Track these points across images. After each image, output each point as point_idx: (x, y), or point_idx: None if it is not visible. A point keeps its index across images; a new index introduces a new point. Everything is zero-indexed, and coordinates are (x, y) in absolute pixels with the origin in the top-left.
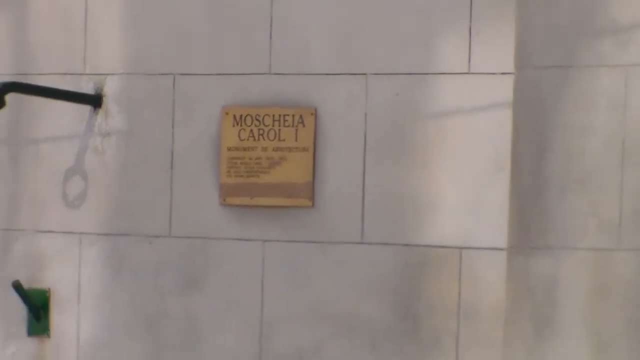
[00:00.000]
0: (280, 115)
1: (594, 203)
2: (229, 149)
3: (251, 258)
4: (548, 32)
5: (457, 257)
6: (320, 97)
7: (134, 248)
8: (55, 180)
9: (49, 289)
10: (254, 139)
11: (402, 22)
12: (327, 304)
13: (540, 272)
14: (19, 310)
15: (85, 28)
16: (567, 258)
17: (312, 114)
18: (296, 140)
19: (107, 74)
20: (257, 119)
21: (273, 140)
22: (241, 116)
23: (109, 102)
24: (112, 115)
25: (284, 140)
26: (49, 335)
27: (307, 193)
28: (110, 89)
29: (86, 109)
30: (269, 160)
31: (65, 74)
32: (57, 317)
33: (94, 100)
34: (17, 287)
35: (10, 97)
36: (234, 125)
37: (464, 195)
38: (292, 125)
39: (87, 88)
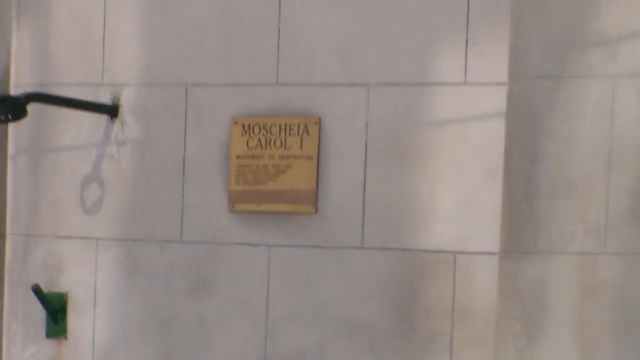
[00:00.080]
0: (286, 125)
1: (582, 209)
2: (238, 157)
3: (257, 262)
4: (540, 44)
5: (451, 261)
6: (324, 107)
7: (147, 253)
8: (73, 187)
9: (67, 292)
10: (262, 147)
11: (401, 35)
12: (329, 306)
13: (531, 276)
14: (38, 313)
15: (103, 41)
16: (556, 262)
17: (316, 123)
18: (301, 148)
19: (124, 85)
20: (264, 128)
21: (279, 148)
22: (249, 125)
23: (125, 112)
24: (128, 124)
25: (289, 148)
26: (66, 337)
27: (310, 200)
28: (126, 99)
29: (103, 118)
30: (275, 168)
31: (83, 84)
32: (74, 320)
33: (111, 110)
34: (36, 290)
35: (31, 107)
36: (242, 134)
37: (458, 201)
38: (298, 134)
39: (104, 98)
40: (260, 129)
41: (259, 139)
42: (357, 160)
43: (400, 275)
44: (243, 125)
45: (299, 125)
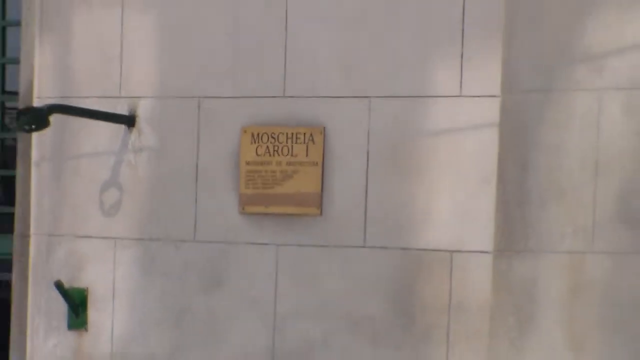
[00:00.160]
0: (292, 133)
1: (570, 212)
2: (247, 163)
3: (266, 261)
4: (531, 59)
5: (448, 260)
6: (328, 117)
7: (163, 251)
8: (94, 191)
9: (87, 288)
10: (270, 155)
11: (400, 50)
12: (333, 302)
13: (523, 273)
14: (60, 306)
15: (121, 57)
16: (546, 260)
17: (321, 133)
18: (307, 155)
19: (140, 97)
20: (272, 137)
21: (286, 155)
22: (258, 134)
23: (141, 122)
24: (144, 133)
25: (296, 155)
26: (86, 329)
27: (316, 203)
28: (143, 111)
29: (121, 128)
30: (282, 174)
31: (103, 97)
32: (94, 313)
33: (128, 121)
34: (59, 286)
35: (54, 118)
36: (251, 142)
37: (455, 204)
38: (304, 142)
39: (122, 109)
40: (268, 137)
41: (267, 147)
42: (359, 167)
43: (400, 273)
44: (252, 134)
45: (304, 134)
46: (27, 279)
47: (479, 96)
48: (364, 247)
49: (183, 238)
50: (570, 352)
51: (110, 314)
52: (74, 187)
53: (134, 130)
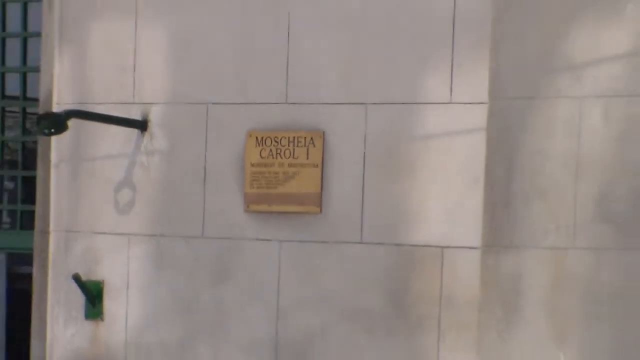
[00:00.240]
0: (294, 137)
1: (553, 210)
2: (252, 165)
3: (269, 256)
4: (516, 68)
5: (439, 255)
6: (327, 122)
7: (173, 247)
8: (108, 191)
9: (103, 280)
10: (273, 157)
11: (395, 60)
12: (332, 294)
13: (508, 268)
14: (78, 298)
15: (134, 66)
16: (531, 256)
17: (320, 137)
18: (307, 158)
19: (152, 103)
20: (275, 140)
21: (288, 158)
22: (262, 138)
23: (153, 126)
24: (156, 137)
25: (297, 158)
26: (102, 319)
27: (316, 202)
28: (155, 116)
29: (134, 132)
30: (284, 175)
31: (117, 103)
32: (109, 304)
33: (141, 125)
34: (77, 279)
35: (72, 122)
36: (256, 146)
37: (445, 203)
38: (304, 146)
39: (135, 115)
40: (271, 141)
41: (271, 150)
42: (357, 168)
43: (395, 267)
44: (257, 138)
45: (305, 138)
46: (47, 272)
47: (467, 103)
48: (361, 243)
49: (192, 234)
50: (553, 342)
51: (125, 304)
52: (90, 187)
53: (146, 134)
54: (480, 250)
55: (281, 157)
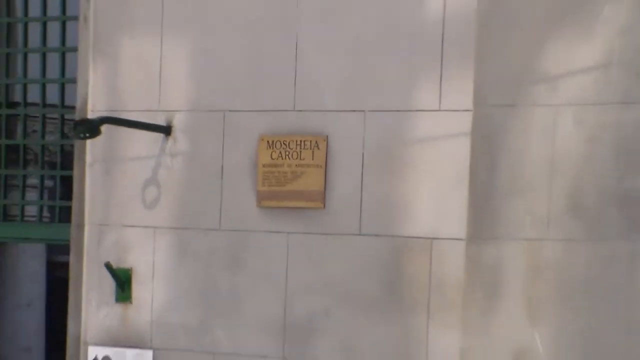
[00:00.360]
0: (301, 141)
1: (529, 206)
2: (264, 166)
3: (279, 246)
4: (498, 79)
5: (428, 245)
6: (330, 127)
7: (194, 238)
8: (136, 188)
9: (132, 268)
10: (282, 158)
11: (390, 73)
12: (334, 280)
13: (490, 256)
14: (109, 283)
15: (160, 76)
16: (509, 246)
17: (324, 140)
18: (313, 159)
19: (175, 111)
20: (284, 144)
21: (296, 159)
22: (273, 141)
23: (176, 131)
24: (179, 141)
25: (303, 159)
26: (131, 302)
27: (320, 198)
28: (178, 122)
29: (160, 136)
30: (292, 174)
31: (144, 110)
32: (137, 289)
33: (166, 130)
34: (108, 267)
35: (104, 128)
36: (267, 148)
37: (434, 199)
38: (310, 148)
39: (160, 121)
40: (281, 144)
41: (280, 152)
42: (356, 168)
43: (390, 256)
44: (268, 142)
45: (311, 142)
46: (82, 261)
47: (454, 110)
48: (359, 235)
49: (210, 227)
50: (529, 322)
51: (150, 289)
52: (120, 185)
53: (170, 138)
54: (465, 242)
55: (289, 159)
